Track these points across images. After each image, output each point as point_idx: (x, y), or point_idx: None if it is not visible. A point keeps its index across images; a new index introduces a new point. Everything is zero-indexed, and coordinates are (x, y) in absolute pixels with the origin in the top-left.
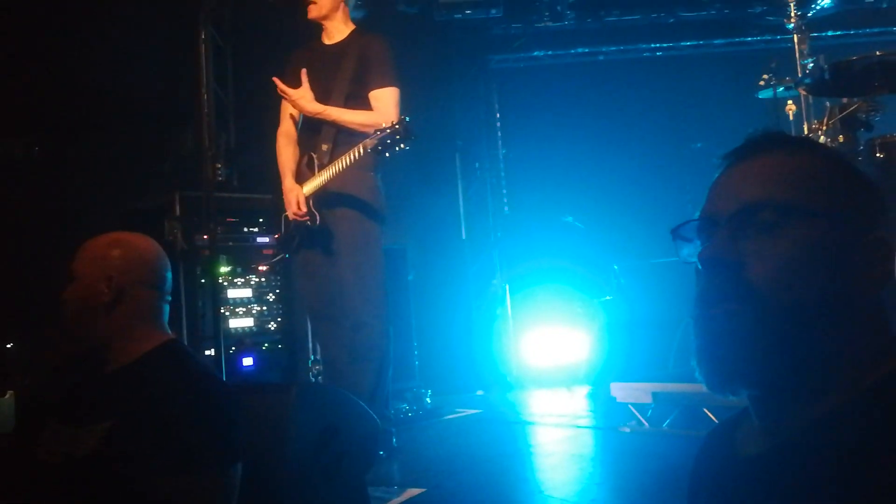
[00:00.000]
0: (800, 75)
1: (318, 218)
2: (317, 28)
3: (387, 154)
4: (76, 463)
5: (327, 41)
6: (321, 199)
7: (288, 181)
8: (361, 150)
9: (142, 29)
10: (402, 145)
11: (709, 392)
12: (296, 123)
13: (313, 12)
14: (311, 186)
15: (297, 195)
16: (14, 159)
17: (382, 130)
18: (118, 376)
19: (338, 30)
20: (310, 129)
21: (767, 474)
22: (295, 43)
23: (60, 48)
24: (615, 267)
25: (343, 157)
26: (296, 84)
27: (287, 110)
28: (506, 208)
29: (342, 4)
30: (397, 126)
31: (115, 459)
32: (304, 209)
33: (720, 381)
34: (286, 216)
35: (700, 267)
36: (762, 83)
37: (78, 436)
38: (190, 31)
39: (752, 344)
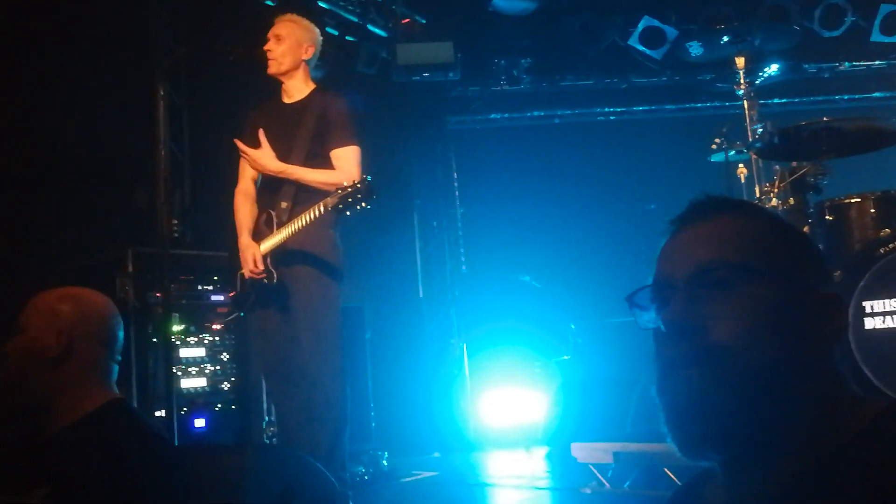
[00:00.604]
0: (750, 140)
1: (274, 276)
2: (275, 86)
3: (347, 213)
4: None
5: (286, 100)
6: (279, 256)
7: (244, 238)
8: (322, 209)
9: (97, 84)
10: (363, 204)
11: (672, 451)
12: (255, 182)
13: (273, 68)
14: (269, 244)
15: (253, 252)
16: None
17: (344, 189)
18: (59, 437)
19: (297, 88)
20: (269, 187)
21: None
22: (252, 100)
23: (13, 102)
24: (572, 326)
25: (303, 215)
26: (255, 144)
27: (246, 169)
28: (463, 267)
29: (303, 64)
30: (359, 185)
31: None
32: (262, 267)
33: (693, 446)
34: (241, 274)
35: (663, 331)
36: (714, 147)
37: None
38: (145, 87)
39: (719, 407)
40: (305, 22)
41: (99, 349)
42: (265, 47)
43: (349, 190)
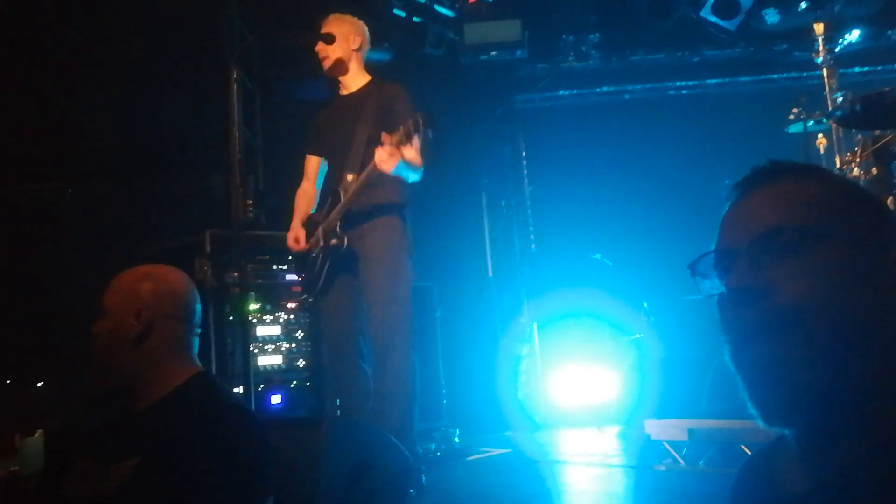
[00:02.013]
0: (830, 108)
1: (345, 241)
2: (334, 83)
3: (410, 146)
4: (104, 500)
5: (345, 92)
6: (351, 218)
7: (294, 223)
8: (387, 146)
9: (172, 74)
10: (427, 132)
11: (749, 428)
12: (314, 180)
13: (326, 65)
14: (339, 208)
15: (296, 233)
16: (47, 202)
17: (406, 123)
18: (147, 412)
19: (353, 80)
20: (333, 175)
21: None
22: (320, 84)
23: (92, 94)
24: (644, 304)
25: (371, 165)
26: (319, 140)
27: (309, 168)
28: (532, 245)
29: (354, 55)
30: (420, 115)
31: (143, 496)
32: (303, 244)
33: (776, 413)
34: (311, 257)
35: (727, 297)
36: (792, 117)
37: (106, 473)
38: (218, 75)
39: (805, 375)
40: (349, 17)
41: (178, 325)
42: (316, 48)
43: (410, 123)
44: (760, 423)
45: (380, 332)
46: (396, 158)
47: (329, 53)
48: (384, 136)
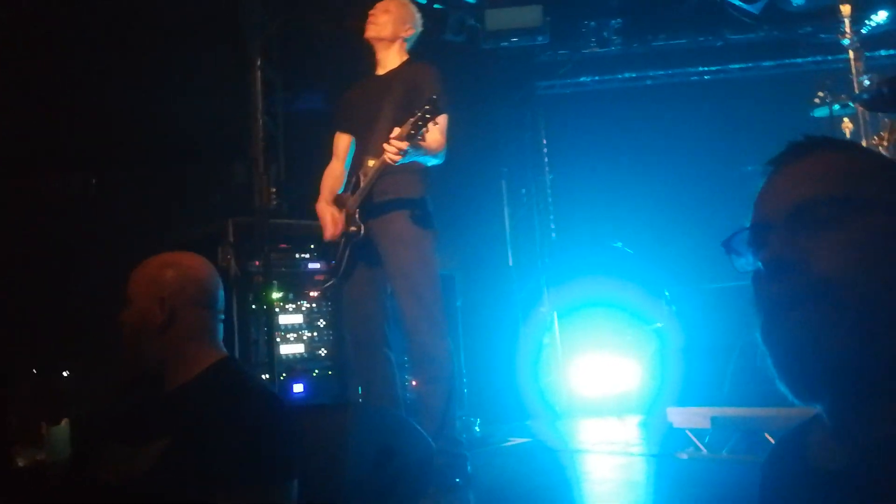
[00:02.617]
0: (856, 91)
1: (362, 229)
2: (366, 62)
3: (420, 136)
4: (135, 481)
5: (380, 71)
6: (370, 210)
7: (321, 205)
8: (402, 132)
9: (193, 65)
10: (435, 122)
11: (771, 415)
12: (344, 158)
13: (371, 31)
14: (356, 197)
15: (331, 212)
16: (72, 193)
17: (414, 115)
18: (174, 396)
19: (391, 60)
20: (360, 150)
21: (856, 491)
22: (344, 77)
23: (115, 84)
24: (666, 293)
25: (380, 159)
26: (349, 117)
27: (339, 147)
28: (553, 234)
29: (400, 40)
30: (427, 106)
31: (172, 476)
32: (340, 224)
33: (806, 387)
34: (337, 242)
35: (763, 270)
36: (817, 101)
37: (136, 455)
38: (240, 64)
39: (836, 345)
40: (411, 5)
41: (201, 311)
42: (370, 11)
43: (418, 114)
44: (792, 398)
45: (413, 319)
46: (404, 151)
47: (380, 22)
48: (395, 130)
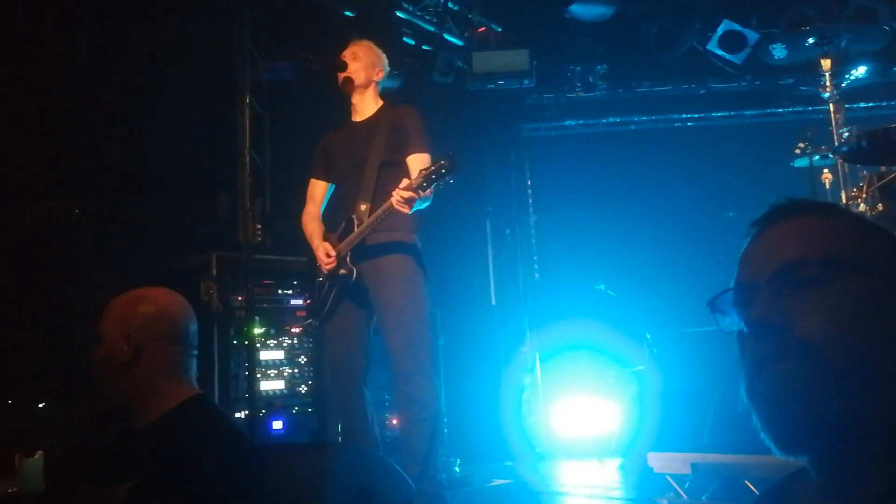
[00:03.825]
0: (836, 143)
1: (354, 273)
2: (346, 107)
3: (431, 189)
4: None
5: (357, 118)
6: (361, 251)
7: (315, 241)
8: (405, 189)
9: (182, 95)
10: (448, 178)
11: (753, 462)
12: (320, 204)
13: (346, 81)
14: (350, 239)
15: (325, 248)
16: (54, 221)
17: (427, 169)
18: (142, 435)
19: (367, 105)
20: (345, 197)
21: None
22: (329, 110)
23: (100, 114)
24: (647, 336)
25: (385, 204)
26: (328, 168)
27: (315, 191)
28: (536, 275)
29: (373, 84)
30: (443, 161)
31: None
32: (333, 255)
33: (791, 441)
34: (319, 282)
35: (746, 331)
36: (798, 151)
37: (104, 496)
38: (228, 99)
39: (818, 399)
40: (377, 49)
41: (170, 346)
42: (342, 56)
43: (433, 168)
44: (777, 453)
45: (400, 359)
46: (414, 202)
47: (353, 71)
48: (405, 181)
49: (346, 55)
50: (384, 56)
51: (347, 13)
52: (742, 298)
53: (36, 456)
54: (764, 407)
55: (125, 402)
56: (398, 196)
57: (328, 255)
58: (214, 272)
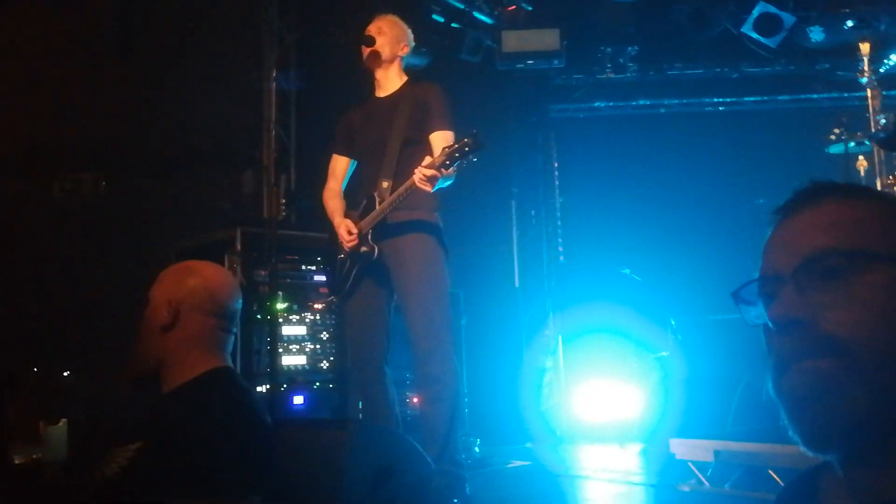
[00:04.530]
0: (873, 130)
1: (375, 250)
2: (369, 82)
3: (453, 168)
4: (105, 482)
5: (380, 94)
6: (382, 231)
7: (337, 219)
8: (427, 167)
9: (209, 70)
10: (472, 157)
11: (776, 452)
12: (343, 180)
13: (370, 56)
14: (371, 217)
15: (346, 225)
16: (83, 194)
17: (451, 146)
18: (163, 399)
19: (391, 81)
20: (368, 173)
21: None
22: (356, 87)
23: (130, 88)
24: (672, 322)
25: (408, 182)
26: (350, 141)
27: (336, 168)
28: (561, 257)
29: (398, 59)
30: (467, 140)
31: (135, 480)
32: (355, 233)
33: (819, 439)
34: (340, 259)
35: (771, 326)
36: (833, 137)
37: (114, 455)
38: (255, 75)
39: (847, 397)
40: (402, 23)
41: (207, 319)
42: (365, 32)
43: (456, 146)
44: (804, 449)
45: (421, 338)
46: (437, 180)
47: (378, 46)
48: (427, 159)
49: (371, 29)
50: (409, 31)
51: None
52: (767, 290)
53: (60, 424)
54: (791, 404)
55: (157, 365)
56: (420, 174)
57: (350, 233)
58: (239, 247)
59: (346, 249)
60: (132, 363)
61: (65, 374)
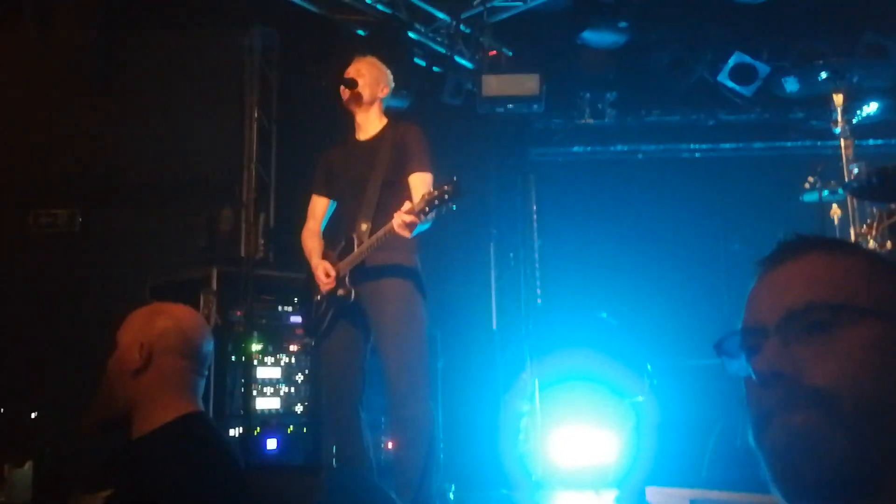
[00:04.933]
0: (846, 179)
1: (353, 293)
2: (349, 122)
3: (433, 214)
4: None
5: (361, 136)
6: (361, 274)
7: (315, 260)
8: (406, 213)
9: (189, 106)
10: (451, 205)
11: (752, 501)
12: (322, 220)
13: (350, 98)
14: (349, 260)
15: (324, 266)
16: (58, 229)
17: (430, 193)
18: (133, 445)
19: (371, 124)
20: (346, 215)
21: None
22: (338, 125)
23: (107, 122)
24: (648, 366)
25: (386, 226)
26: (329, 182)
27: (315, 209)
28: (539, 300)
29: (378, 101)
30: (446, 186)
31: None
32: (332, 276)
33: (805, 494)
34: (316, 300)
35: (754, 378)
36: (807, 186)
37: (82, 501)
38: (236, 111)
39: (832, 450)
40: (381, 64)
41: (180, 361)
42: (345, 74)
43: (436, 193)
44: (785, 502)
45: (397, 381)
46: (416, 226)
47: (357, 89)
48: (407, 204)
49: (351, 72)
50: (389, 72)
51: (360, 32)
52: (750, 343)
53: (25, 467)
54: (774, 458)
55: (127, 409)
56: (400, 220)
57: (327, 275)
58: (214, 286)
59: (323, 292)
60: (99, 407)
61: (32, 415)
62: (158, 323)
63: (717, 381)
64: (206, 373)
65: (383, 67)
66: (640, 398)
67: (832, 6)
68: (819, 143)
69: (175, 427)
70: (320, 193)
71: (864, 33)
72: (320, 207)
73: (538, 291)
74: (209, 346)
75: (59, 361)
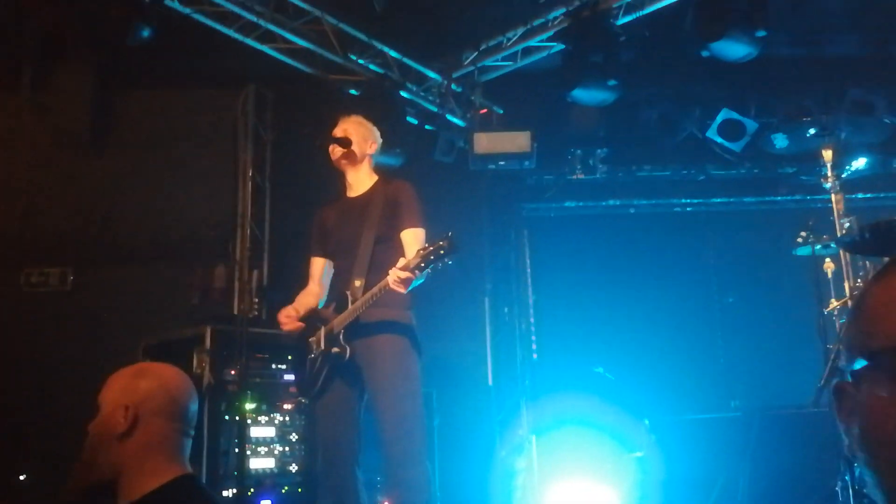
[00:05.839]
0: (838, 234)
1: (347, 351)
2: (340, 182)
3: (428, 270)
4: None
5: (352, 194)
6: (355, 331)
7: (294, 305)
8: (402, 269)
9: (180, 167)
10: (446, 260)
11: None
12: (319, 280)
13: (340, 158)
14: (344, 317)
15: (286, 310)
16: (50, 288)
17: (425, 248)
18: None
19: (362, 181)
20: (341, 275)
21: None
22: (331, 184)
23: (100, 182)
24: (646, 422)
25: (381, 282)
26: (324, 241)
27: (315, 270)
28: (534, 355)
29: (368, 158)
30: (441, 242)
31: None
32: (292, 316)
33: None
34: (311, 358)
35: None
36: (800, 240)
37: None
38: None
39: None
40: (367, 122)
41: (167, 423)
42: (333, 133)
43: (431, 248)
44: None
45: (392, 441)
46: (410, 282)
47: (345, 149)
48: (402, 260)
49: (337, 132)
50: (375, 129)
51: (352, 91)
52: None
53: None
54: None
55: (113, 475)
56: (395, 276)
57: (287, 316)
58: (208, 345)
59: (283, 331)
60: (82, 473)
61: (21, 477)
62: (143, 384)
63: (716, 434)
64: (192, 432)
65: (370, 125)
66: (640, 453)
67: (818, 63)
68: (809, 198)
69: (165, 493)
70: (316, 254)
71: (849, 90)
72: (318, 268)
73: (534, 346)
74: (195, 405)
75: (49, 422)
